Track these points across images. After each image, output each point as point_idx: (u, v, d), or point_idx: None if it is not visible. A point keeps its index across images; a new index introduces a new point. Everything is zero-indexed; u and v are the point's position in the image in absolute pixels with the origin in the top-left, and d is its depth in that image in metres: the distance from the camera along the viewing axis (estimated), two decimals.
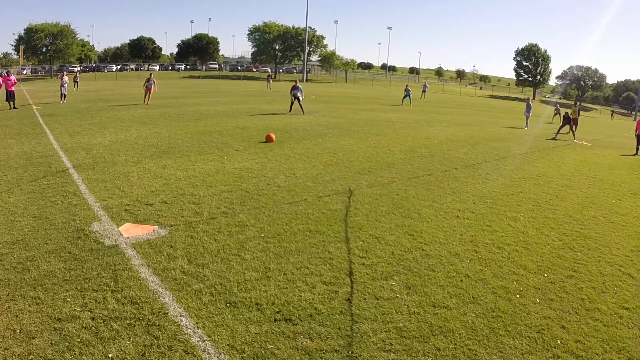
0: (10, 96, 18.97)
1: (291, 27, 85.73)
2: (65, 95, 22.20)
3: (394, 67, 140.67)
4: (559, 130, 19.61)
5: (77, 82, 32.63)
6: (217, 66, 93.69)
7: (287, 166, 9.24)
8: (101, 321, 3.56)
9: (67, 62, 75.06)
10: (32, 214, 5.79)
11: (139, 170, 8.31)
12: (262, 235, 5.48)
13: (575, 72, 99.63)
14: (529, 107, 22.70)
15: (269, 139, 12.08)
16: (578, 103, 24.24)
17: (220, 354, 3.27)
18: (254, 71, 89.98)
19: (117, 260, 4.62)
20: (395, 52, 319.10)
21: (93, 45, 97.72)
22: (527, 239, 5.94)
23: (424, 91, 43.93)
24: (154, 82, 22.33)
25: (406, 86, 34.82)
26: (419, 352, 3.43)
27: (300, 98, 19.77)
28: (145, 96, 22.02)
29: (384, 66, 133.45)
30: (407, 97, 32.06)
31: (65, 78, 22.76)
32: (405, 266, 4.87)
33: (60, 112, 17.26)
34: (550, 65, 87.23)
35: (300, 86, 20.09)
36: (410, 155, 11.39)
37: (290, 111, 19.56)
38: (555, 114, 27.70)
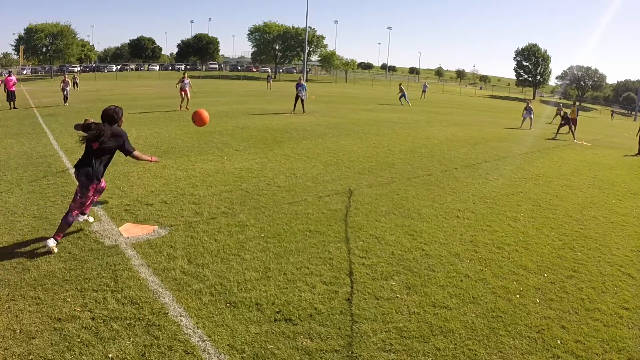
0: (10, 96, 19.00)
1: (291, 27, 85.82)
2: (67, 98, 21.17)
3: (394, 67, 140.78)
4: (558, 130, 19.67)
5: (77, 83, 32.67)
6: (217, 66, 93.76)
7: (287, 166, 9.24)
8: (101, 321, 3.56)
9: (67, 62, 75.11)
10: (32, 214, 5.79)
11: (139, 170, 8.31)
12: (262, 235, 5.48)
13: (575, 72, 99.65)
14: (529, 110, 21.92)
15: (199, 121, 7.15)
16: (577, 103, 24.27)
17: (220, 354, 3.27)
18: (254, 71, 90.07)
19: (117, 260, 4.62)
20: (395, 52, 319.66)
21: (93, 45, 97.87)
22: (527, 239, 5.94)
23: (424, 91, 44.04)
24: (189, 83, 19.50)
25: (399, 85, 34.99)
26: (419, 352, 3.43)
27: (304, 97, 19.86)
28: (182, 101, 19.25)
29: (384, 66, 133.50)
30: (403, 97, 32.15)
31: (68, 80, 21.63)
32: (405, 266, 4.87)
33: (60, 112, 17.27)
34: (550, 65, 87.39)
35: (304, 84, 20.17)
36: (410, 155, 11.39)
37: (293, 110, 19.62)
38: (557, 114, 27.60)
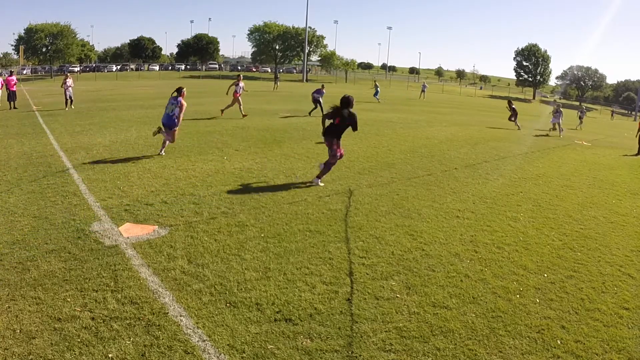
0: (11, 96, 19.00)
1: (291, 27, 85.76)
2: (72, 100, 18.78)
3: (394, 67, 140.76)
4: (513, 120, 20.86)
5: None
6: (217, 66, 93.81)
7: (287, 166, 9.24)
8: (101, 321, 3.56)
9: (67, 62, 75.13)
10: (32, 214, 5.79)
11: (139, 170, 8.31)
12: (262, 235, 5.48)
13: (575, 72, 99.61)
14: (559, 113, 19.93)
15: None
16: (556, 101, 24.84)
17: (220, 354, 3.27)
18: (254, 71, 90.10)
19: (117, 260, 4.62)
20: (395, 52, 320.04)
21: (93, 45, 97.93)
22: (527, 239, 5.94)
23: (422, 91, 44.15)
24: (243, 86, 17.18)
25: (374, 81, 35.71)
26: (419, 352, 3.43)
27: (322, 101, 19.59)
28: (240, 107, 17.10)
29: (384, 66, 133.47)
30: (377, 94, 32.80)
31: (69, 81, 18.91)
32: (405, 266, 4.87)
33: (60, 112, 17.26)
34: (550, 65, 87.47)
35: (324, 90, 19.80)
36: (410, 155, 11.39)
37: (310, 114, 19.14)
38: (580, 117, 27.22)
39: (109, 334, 3.40)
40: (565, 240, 6.01)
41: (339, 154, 7.89)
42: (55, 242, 4.97)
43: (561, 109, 20.42)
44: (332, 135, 7.76)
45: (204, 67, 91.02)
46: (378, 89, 33.58)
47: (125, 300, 3.87)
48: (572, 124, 27.12)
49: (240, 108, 17.15)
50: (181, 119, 9.62)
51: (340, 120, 7.65)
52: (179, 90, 9.61)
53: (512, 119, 20.76)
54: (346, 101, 7.68)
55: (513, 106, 21.09)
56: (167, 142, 9.87)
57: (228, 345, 3.37)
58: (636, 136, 16.32)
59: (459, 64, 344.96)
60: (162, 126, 9.55)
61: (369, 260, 4.96)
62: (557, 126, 20.18)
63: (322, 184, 7.88)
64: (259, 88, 42.47)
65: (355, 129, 7.78)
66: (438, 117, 23.83)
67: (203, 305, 3.88)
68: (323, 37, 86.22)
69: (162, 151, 9.87)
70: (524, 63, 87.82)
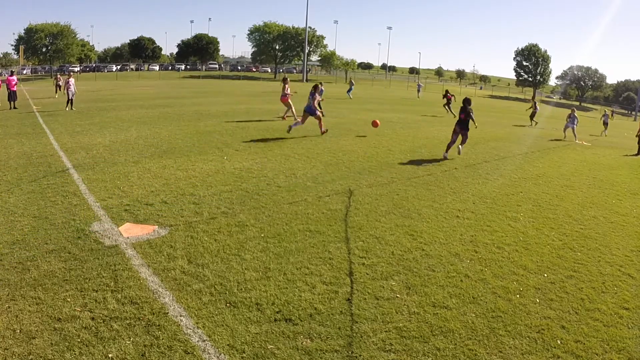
0: (11, 96, 19.01)
1: (291, 27, 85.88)
2: (72, 101, 18.53)
3: (394, 67, 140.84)
4: (446, 107, 24.65)
5: (60, 85, 32.35)
6: (217, 66, 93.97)
7: (287, 166, 9.24)
8: (101, 321, 3.56)
9: (67, 62, 75.17)
10: (32, 214, 5.79)
11: (139, 170, 8.31)
12: (262, 235, 5.48)
13: (575, 72, 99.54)
14: (573, 118, 18.65)
15: (375, 125, 14.72)
16: (534, 99, 26.94)
17: (220, 354, 3.27)
18: (254, 71, 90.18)
19: (117, 260, 4.62)
20: (395, 52, 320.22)
21: (93, 45, 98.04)
22: (527, 239, 5.94)
23: (418, 91, 44.36)
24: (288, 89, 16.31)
25: (350, 79, 37.23)
26: (419, 352, 3.43)
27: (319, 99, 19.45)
28: (287, 111, 16.90)
29: (384, 66, 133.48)
30: (350, 90, 34.54)
31: (72, 80, 18.92)
32: (405, 266, 4.87)
33: (60, 112, 17.26)
34: (550, 65, 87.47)
35: (323, 88, 19.72)
36: (410, 155, 11.39)
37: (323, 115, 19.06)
38: (604, 122, 26.50)
39: (109, 334, 3.40)
40: (565, 240, 6.01)
41: (466, 137, 11.44)
42: (55, 242, 4.97)
43: (575, 113, 18.94)
44: (461, 125, 11.21)
45: (204, 67, 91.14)
46: (352, 86, 35.58)
47: (125, 300, 3.87)
48: (587, 129, 26.35)
49: (289, 111, 16.69)
50: (317, 106, 13.09)
51: (465, 115, 11.14)
52: (315, 87, 13.31)
53: (447, 106, 24.79)
54: (468, 101, 11.32)
55: (449, 96, 25.02)
56: (298, 123, 13.05)
57: (228, 345, 3.37)
58: (636, 136, 16.31)
59: (459, 64, 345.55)
60: (301, 114, 13.17)
61: (369, 260, 4.96)
62: (572, 132, 18.55)
63: (453, 156, 11.29)
64: (265, 89, 42.48)
65: (473, 120, 11.28)
66: (438, 117, 23.83)
67: (203, 305, 3.88)
68: (323, 37, 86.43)
69: (292, 128, 13.07)
70: (524, 63, 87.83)
